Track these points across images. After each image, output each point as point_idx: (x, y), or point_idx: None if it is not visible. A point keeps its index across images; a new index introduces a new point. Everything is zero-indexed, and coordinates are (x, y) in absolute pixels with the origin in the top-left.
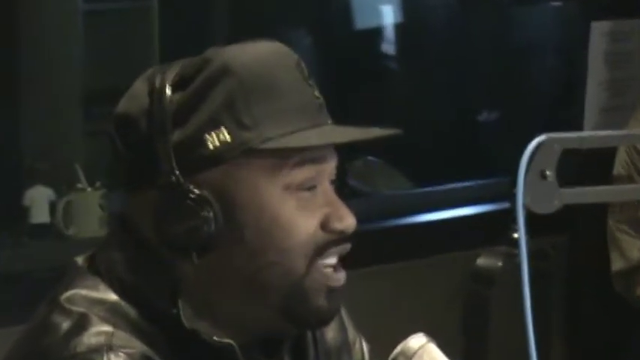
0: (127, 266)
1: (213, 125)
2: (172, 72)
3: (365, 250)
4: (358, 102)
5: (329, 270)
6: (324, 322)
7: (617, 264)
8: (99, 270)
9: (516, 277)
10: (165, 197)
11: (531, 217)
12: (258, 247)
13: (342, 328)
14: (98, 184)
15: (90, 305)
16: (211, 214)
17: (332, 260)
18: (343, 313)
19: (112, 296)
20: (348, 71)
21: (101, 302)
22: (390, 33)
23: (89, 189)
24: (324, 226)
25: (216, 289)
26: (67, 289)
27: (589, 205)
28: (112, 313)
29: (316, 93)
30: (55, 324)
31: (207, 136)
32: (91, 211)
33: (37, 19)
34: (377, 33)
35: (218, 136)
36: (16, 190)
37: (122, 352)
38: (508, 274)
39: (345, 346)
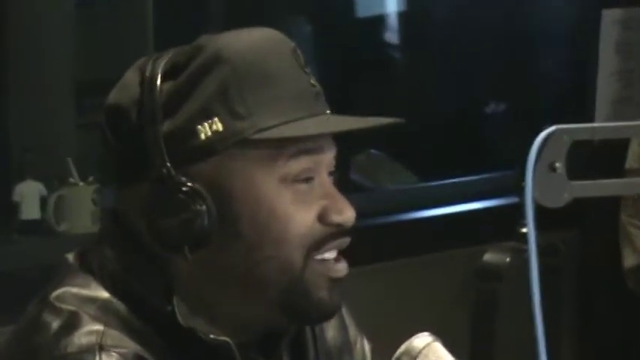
0: (119, 263)
1: (206, 115)
2: (164, 60)
3: (367, 246)
4: (359, 93)
5: (329, 261)
6: (327, 316)
7: (629, 260)
8: (90, 267)
9: (525, 273)
10: (156, 190)
11: (540, 212)
12: (253, 241)
13: (343, 327)
14: (91, 178)
15: (80, 303)
16: (204, 207)
17: (331, 255)
18: (344, 311)
19: (104, 294)
20: (348, 61)
21: (92, 300)
22: (392, 21)
23: (81, 183)
24: (321, 219)
25: (211, 285)
26: (57, 287)
27: (600, 199)
28: (103, 312)
29: (313, 81)
30: (45, 323)
31: (199, 126)
32: (83, 207)
33: (26, 10)
34: (379, 21)
35: (210, 126)
36: (6, 185)
37: (114, 351)
38: (516, 270)
39: (346, 346)
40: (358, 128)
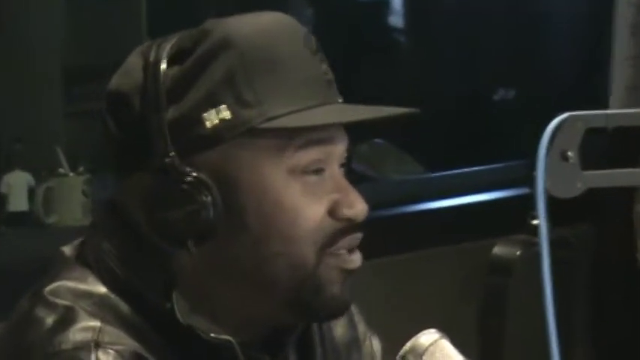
0: (117, 256)
1: (212, 102)
2: (169, 45)
3: (372, 240)
4: (363, 79)
5: (343, 251)
6: (338, 313)
7: None
8: (87, 260)
9: (536, 266)
10: (159, 181)
11: (553, 204)
12: (260, 235)
13: (352, 325)
14: (81, 168)
15: (76, 298)
16: (210, 198)
17: (343, 252)
18: (353, 308)
19: (101, 289)
20: (352, 46)
21: (89, 295)
22: (398, 4)
23: (71, 174)
24: (332, 212)
25: (215, 281)
26: (52, 281)
27: (615, 190)
28: (100, 307)
29: (325, 68)
30: (38, 318)
31: (205, 114)
32: (73, 198)
33: None
34: (384, 4)
35: (217, 114)
36: None
37: (111, 349)
38: (527, 263)
39: (355, 343)
40: (372, 118)
